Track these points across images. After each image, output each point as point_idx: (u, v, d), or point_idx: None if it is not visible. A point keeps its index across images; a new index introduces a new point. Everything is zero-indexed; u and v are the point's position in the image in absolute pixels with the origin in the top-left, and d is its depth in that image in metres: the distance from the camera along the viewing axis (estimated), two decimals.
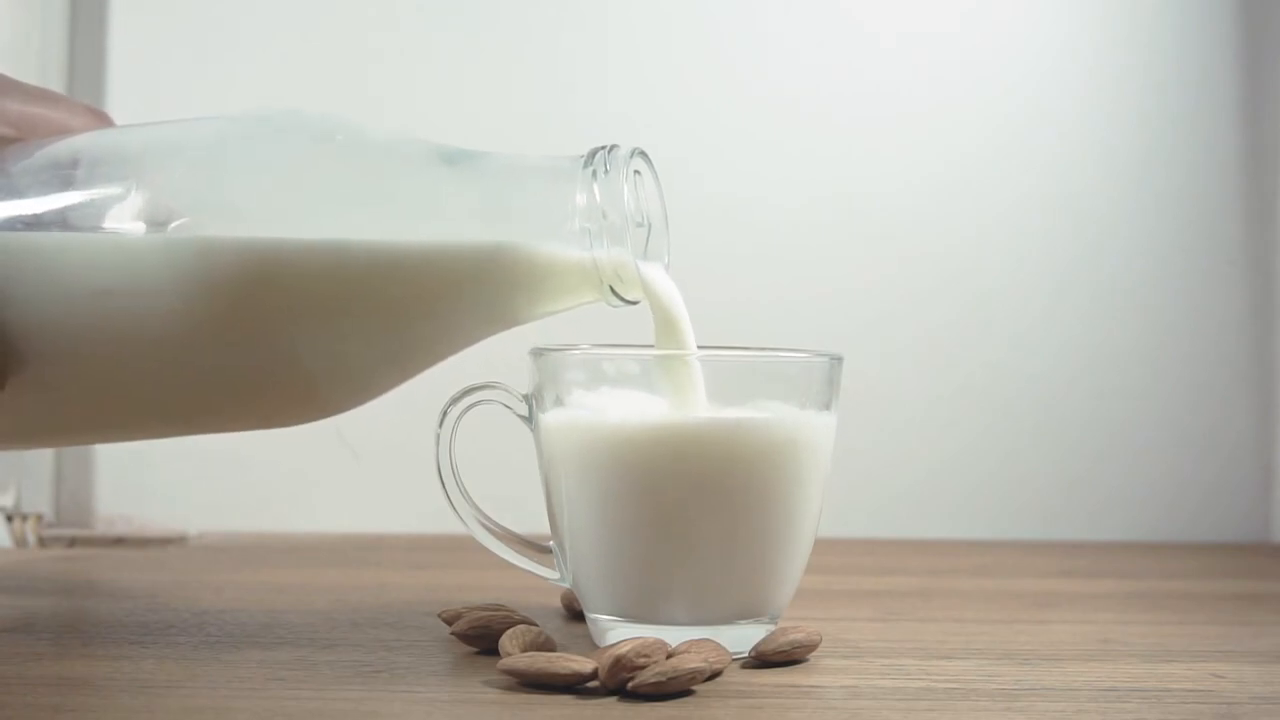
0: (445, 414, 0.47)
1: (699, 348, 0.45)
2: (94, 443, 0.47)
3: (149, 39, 0.81)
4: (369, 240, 0.41)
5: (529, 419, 0.47)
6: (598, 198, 0.42)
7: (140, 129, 0.44)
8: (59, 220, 0.40)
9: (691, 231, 0.81)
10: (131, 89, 0.79)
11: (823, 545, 0.48)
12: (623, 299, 0.44)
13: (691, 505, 0.43)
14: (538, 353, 0.46)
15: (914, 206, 0.82)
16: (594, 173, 0.43)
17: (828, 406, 0.45)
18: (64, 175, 0.41)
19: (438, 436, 0.47)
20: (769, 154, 0.82)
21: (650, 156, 0.45)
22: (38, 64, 0.77)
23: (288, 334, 0.40)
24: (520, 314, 0.44)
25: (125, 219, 0.40)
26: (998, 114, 0.83)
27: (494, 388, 0.47)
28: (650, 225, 0.45)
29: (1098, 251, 0.83)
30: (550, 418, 0.45)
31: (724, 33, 0.83)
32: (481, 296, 0.43)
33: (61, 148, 0.42)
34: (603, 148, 0.43)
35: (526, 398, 0.46)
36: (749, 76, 0.83)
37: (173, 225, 0.39)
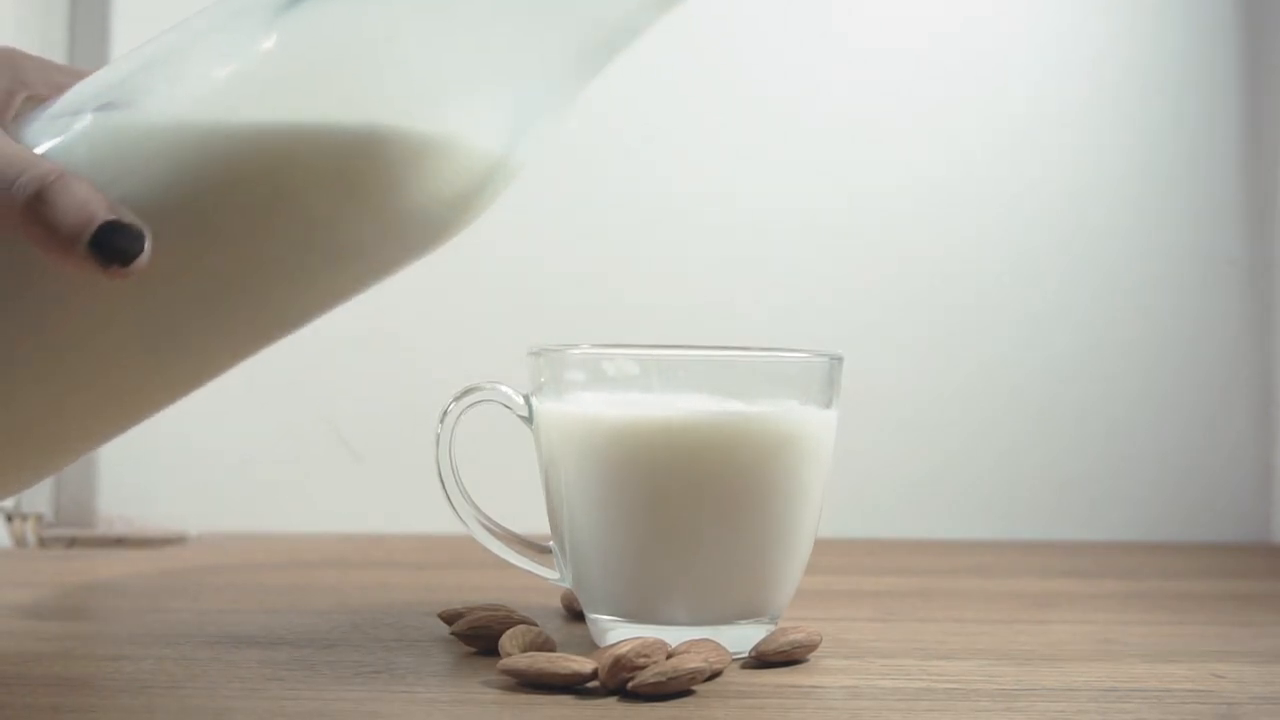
0: (445, 414, 0.47)
1: (699, 349, 0.45)
2: (225, 359, 0.42)
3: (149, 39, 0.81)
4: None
5: (529, 419, 0.47)
6: None
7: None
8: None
9: (694, 233, 0.82)
10: None
11: (823, 545, 0.48)
12: None
13: (692, 504, 0.43)
14: (538, 352, 0.46)
15: (914, 206, 0.82)
16: None
17: (828, 406, 0.45)
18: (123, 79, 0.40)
19: (438, 436, 0.47)
20: (769, 156, 0.82)
21: None
22: None
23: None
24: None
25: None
26: (998, 115, 0.83)
27: (494, 388, 0.47)
28: None
29: (1098, 251, 0.83)
30: (550, 417, 0.45)
31: (723, 35, 0.83)
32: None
33: (101, 73, 0.41)
34: None
35: (526, 397, 0.46)
36: (749, 78, 0.83)
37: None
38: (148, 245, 0.36)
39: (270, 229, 0.39)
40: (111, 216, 0.36)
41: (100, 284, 0.37)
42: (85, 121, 0.39)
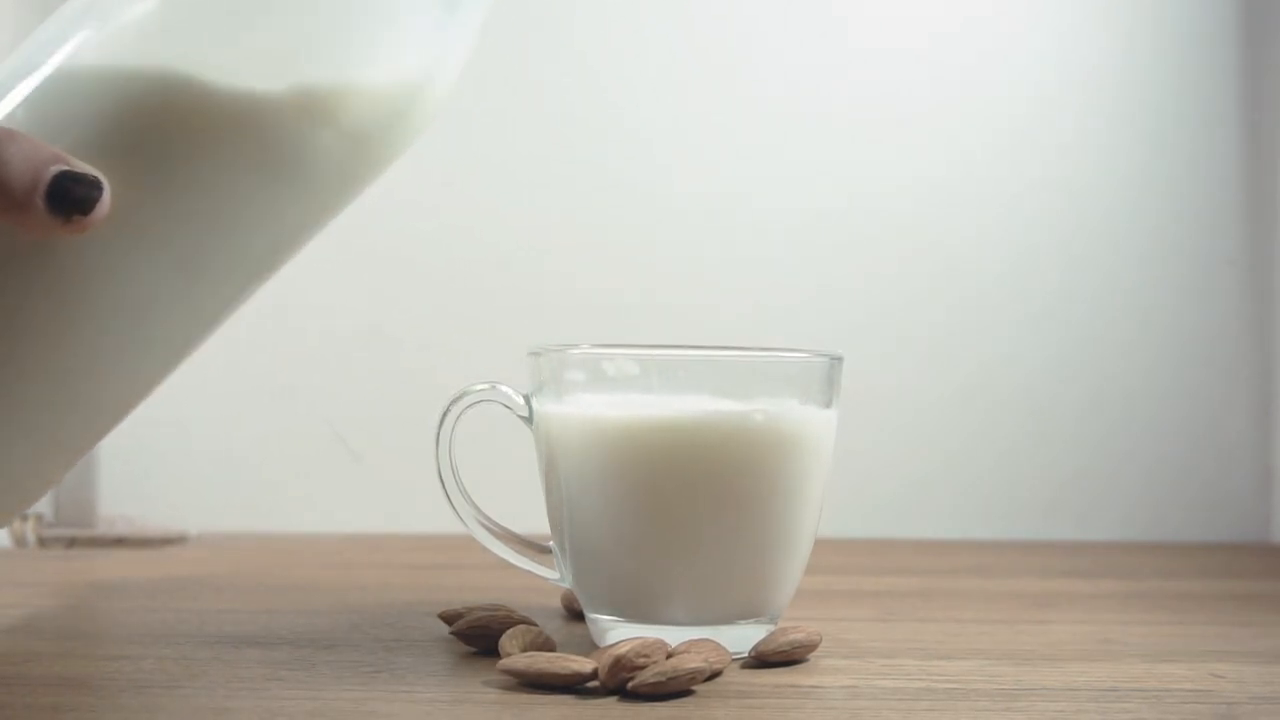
0: (445, 414, 0.47)
1: (699, 349, 0.45)
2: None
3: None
4: None
5: (529, 419, 0.47)
6: None
7: None
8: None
9: (694, 233, 0.82)
10: None
11: (823, 545, 0.48)
12: None
13: (692, 504, 0.43)
14: (538, 352, 0.46)
15: (914, 206, 0.82)
16: None
17: (828, 406, 0.45)
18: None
19: (438, 436, 0.47)
20: (770, 155, 0.82)
21: None
22: None
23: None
24: None
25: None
26: (997, 115, 0.83)
27: (494, 388, 0.47)
28: None
29: (1097, 251, 0.83)
30: (550, 417, 0.45)
31: (723, 36, 0.83)
32: None
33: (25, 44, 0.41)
34: None
35: (526, 398, 0.46)
36: (749, 79, 0.83)
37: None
38: (106, 191, 0.36)
39: (229, 158, 0.39)
40: (65, 166, 0.35)
41: (63, 252, 0.36)
42: (25, 82, 0.38)
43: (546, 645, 0.43)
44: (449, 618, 0.47)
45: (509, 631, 0.43)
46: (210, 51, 0.38)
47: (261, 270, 0.42)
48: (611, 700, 0.39)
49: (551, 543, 0.47)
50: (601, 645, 0.44)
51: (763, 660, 0.44)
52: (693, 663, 0.40)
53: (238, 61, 0.38)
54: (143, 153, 0.38)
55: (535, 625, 0.45)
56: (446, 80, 0.43)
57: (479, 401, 0.47)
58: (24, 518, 0.75)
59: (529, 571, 0.48)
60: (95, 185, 0.36)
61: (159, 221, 0.38)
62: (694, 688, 0.40)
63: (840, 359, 0.46)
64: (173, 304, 0.40)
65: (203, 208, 0.39)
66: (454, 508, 0.47)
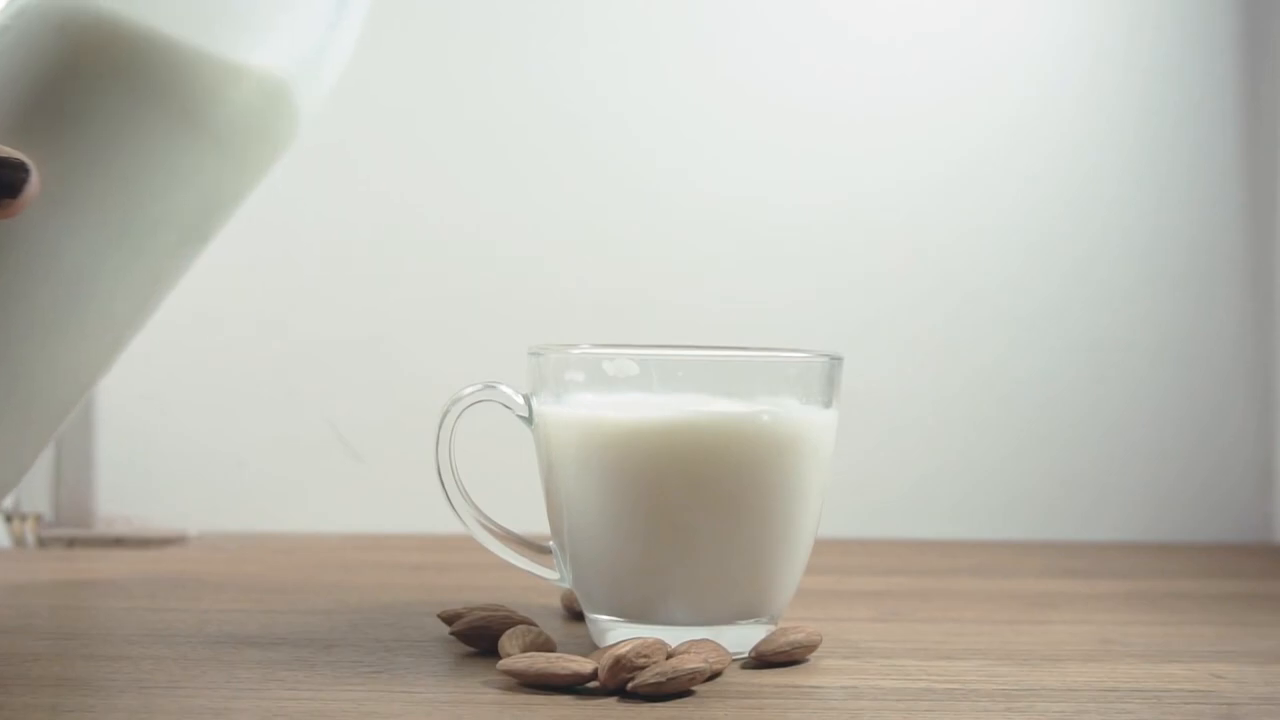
0: (445, 414, 0.47)
1: (699, 349, 0.45)
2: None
3: None
4: None
5: (529, 419, 0.47)
6: None
7: None
8: None
9: (693, 232, 0.82)
10: None
11: (823, 545, 0.48)
12: None
13: (692, 504, 0.43)
14: (537, 352, 0.46)
15: (914, 206, 0.82)
16: None
17: (828, 406, 0.45)
18: None
19: (437, 436, 0.47)
20: (770, 155, 0.82)
21: None
22: None
23: None
24: None
25: None
26: (998, 114, 0.83)
27: (494, 388, 0.47)
28: None
29: (1097, 251, 0.83)
30: (550, 417, 0.45)
31: (724, 35, 0.83)
32: None
33: None
34: None
35: (526, 398, 0.46)
36: (749, 78, 0.83)
37: None
38: (33, 174, 0.36)
39: (146, 108, 0.39)
40: None
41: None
42: None
43: (546, 645, 0.43)
44: (449, 618, 0.47)
45: (509, 631, 0.43)
46: None
47: (190, 239, 0.42)
48: (611, 700, 0.39)
49: (551, 543, 0.47)
50: (601, 645, 0.44)
51: (763, 660, 0.44)
52: (693, 663, 0.40)
53: (163, 9, 0.39)
54: (66, 109, 0.38)
55: (535, 625, 0.45)
56: (343, 51, 0.44)
57: (478, 402, 0.47)
58: (23, 517, 0.75)
59: (529, 571, 0.48)
60: (21, 168, 0.35)
61: (83, 186, 0.38)
62: (694, 688, 0.40)
63: (840, 359, 0.46)
64: (104, 274, 0.40)
65: (123, 167, 0.39)
66: (454, 508, 0.47)
